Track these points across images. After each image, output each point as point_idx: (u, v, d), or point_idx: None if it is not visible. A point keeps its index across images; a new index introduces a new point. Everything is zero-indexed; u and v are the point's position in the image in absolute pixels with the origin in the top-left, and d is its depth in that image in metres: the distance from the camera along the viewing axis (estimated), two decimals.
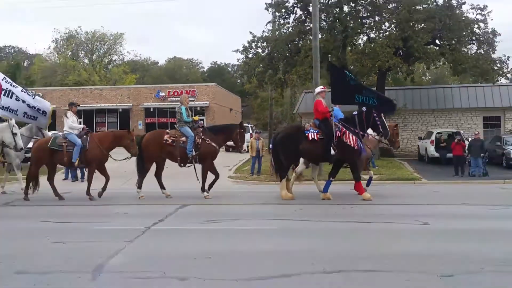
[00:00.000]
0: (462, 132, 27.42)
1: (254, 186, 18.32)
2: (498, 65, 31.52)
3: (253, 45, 33.15)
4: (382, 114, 14.65)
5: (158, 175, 15.18)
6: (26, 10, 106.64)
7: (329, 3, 32.07)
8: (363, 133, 14.25)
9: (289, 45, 32.11)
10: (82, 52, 76.05)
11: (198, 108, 48.25)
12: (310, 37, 26.30)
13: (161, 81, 64.87)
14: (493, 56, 31.59)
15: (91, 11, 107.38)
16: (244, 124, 20.78)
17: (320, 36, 23.88)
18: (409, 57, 31.64)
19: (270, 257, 7.80)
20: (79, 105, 16.29)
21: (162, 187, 15.09)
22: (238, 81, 62.57)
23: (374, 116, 14.31)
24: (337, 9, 31.88)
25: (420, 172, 22.40)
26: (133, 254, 8.19)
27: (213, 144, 14.66)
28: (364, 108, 14.42)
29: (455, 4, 31.00)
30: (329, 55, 30.47)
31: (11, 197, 15.52)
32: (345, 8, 32.29)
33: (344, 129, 13.98)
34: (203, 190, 14.69)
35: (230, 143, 16.79)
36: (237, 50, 33.69)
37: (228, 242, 9.08)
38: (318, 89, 15.21)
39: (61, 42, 73.66)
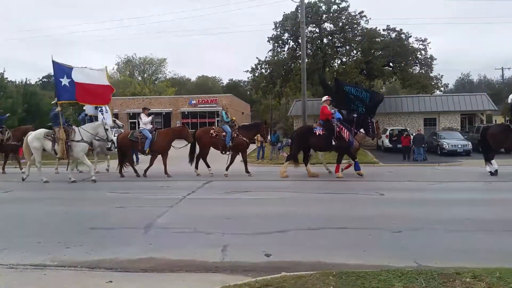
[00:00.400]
0: (408, 129, 27.30)
1: (259, 167, 18.27)
2: (435, 81, 31.75)
3: (258, 67, 33.44)
4: (373, 120, 14.67)
5: (198, 158, 15.13)
6: (97, 41, 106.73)
7: (313, 36, 32.12)
8: (357, 131, 14.25)
9: (284, 67, 32.21)
10: (137, 72, 76.06)
11: (219, 112, 48.28)
12: (299, 61, 26.28)
13: (193, 93, 64.76)
14: (431, 74, 31.66)
15: (143, 42, 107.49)
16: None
17: (306, 60, 23.78)
18: (370, 75, 31.66)
19: (270, 218, 7.80)
20: (150, 109, 16.27)
21: (196, 167, 15.04)
22: (248, 92, 62.49)
23: (368, 121, 14.37)
24: (319, 41, 31.92)
25: (378, 157, 22.31)
26: (173, 216, 8.20)
27: (243, 138, 14.71)
28: (361, 113, 14.50)
29: (404, 37, 31.06)
30: (314, 74, 30.42)
31: (87, 175, 15.55)
32: (325, 40, 32.32)
33: (342, 126, 14.06)
34: (227, 169, 14.67)
35: None
36: (247, 71, 34.20)
37: (241, 208, 9.07)
38: (324, 98, 15.16)
39: (122, 65, 73.77)
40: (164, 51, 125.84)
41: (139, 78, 75.38)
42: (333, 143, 14.04)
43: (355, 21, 31.36)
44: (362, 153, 24.21)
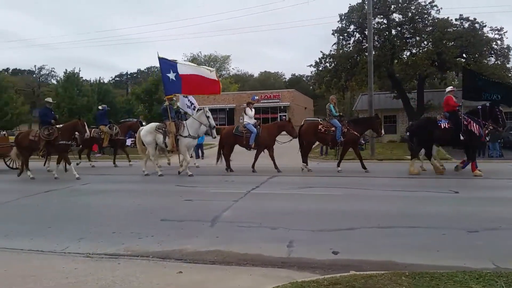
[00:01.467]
0: None
1: (323, 163, 18.01)
2: None
3: (322, 60, 32.95)
4: (500, 108, 13.42)
5: (305, 153, 15.09)
6: (164, 41, 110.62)
7: (381, 28, 31.13)
8: (485, 123, 13.14)
9: (350, 60, 31.50)
10: None
11: (282, 107, 48.40)
12: (366, 53, 25.60)
13: (256, 88, 65.37)
14: (508, 65, 29.62)
15: (207, 40, 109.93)
16: (313, 118, 20.50)
17: (373, 53, 23.09)
18: (442, 67, 30.05)
19: (337, 215, 7.65)
20: (253, 103, 16.16)
21: (305, 162, 14.97)
22: (311, 87, 61.94)
23: (496, 110, 13.18)
24: (387, 32, 30.86)
25: (451, 154, 21.19)
26: (238, 210, 8.27)
27: (355, 132, 14.34)
28: (488, 104, 13.41)
29: (478, 27, 29.22)
30: (381, 67, 29.52)
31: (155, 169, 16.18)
32: (393, 31, 31.22)
33: (469, 119, 13.12)
34: (338, 165, 14.38)
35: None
36: (311, 65, 33.86)
37: (306, 203, 8.94)
38: (449, 88, 14.23)
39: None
40: (228, 48, 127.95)
41: None
42: (461, 138, 12.88)
43: (425, 11, 29.98)
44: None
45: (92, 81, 38.92)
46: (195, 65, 15.35)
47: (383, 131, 15.08)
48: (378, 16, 30.82)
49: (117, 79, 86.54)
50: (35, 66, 79.68)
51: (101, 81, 39.48)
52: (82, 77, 36.95)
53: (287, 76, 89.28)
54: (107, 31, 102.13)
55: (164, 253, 5.60)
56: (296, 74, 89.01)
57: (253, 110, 15.36)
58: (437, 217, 7.24)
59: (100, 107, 19.25)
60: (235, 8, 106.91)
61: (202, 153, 20.79)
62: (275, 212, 7.97)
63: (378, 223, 6.87)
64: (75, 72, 36.10)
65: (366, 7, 25.44)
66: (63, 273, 4.94)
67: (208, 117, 14.08)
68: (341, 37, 32.74)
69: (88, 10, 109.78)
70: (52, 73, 76.09)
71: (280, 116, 47.96)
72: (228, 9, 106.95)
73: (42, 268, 5.14)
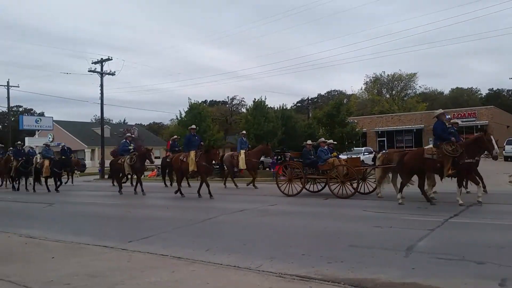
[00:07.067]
0: None
1: None
2: None
3: None
4: None
5: None
6: (345, 65, 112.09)
7: None
8: None
9: None
10: (384, 89, 76.42)
11: (479, 126, 44.02)
12: None
13: (446, 107, 60.67)
14: None
15: (390, 59, 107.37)
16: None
17: None
18: None
19: None
20: None
21: None
22: None
23: None
24: None
25: None
26: (435, 240, 7.61)
27: None
28: None
29: None
30: None
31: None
32: None
33: None
34: None
35: None
36: None
37: None
38: None
39: (370, 84, 75.39)
40: (415, 65, 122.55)
41: (387, 95, 75.45)
42: None
43: None
44: None
45: (276, 108, 41.50)
46: None
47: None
48: None
49: (299, 104, 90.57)
50: (228, 97, 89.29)
51: (284, 107, 41.71)
52: (267, 105, 39.70)
53: (483, 91, 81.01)
54: (295, 58, 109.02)
55: (356, 280, 5.43)
56: (494, 89, 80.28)
57: None
58: None
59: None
60: (418, 24, 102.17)
61: None
62: (481, 244, 7.07)
63: None
64: (261, 100, 39.06)
65: None
66: None
67: None
68: None
69: (281, 42, 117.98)
70: (242, 102, 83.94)
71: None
72: (411, 25, 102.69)
73: (239, 284, 5.49)
